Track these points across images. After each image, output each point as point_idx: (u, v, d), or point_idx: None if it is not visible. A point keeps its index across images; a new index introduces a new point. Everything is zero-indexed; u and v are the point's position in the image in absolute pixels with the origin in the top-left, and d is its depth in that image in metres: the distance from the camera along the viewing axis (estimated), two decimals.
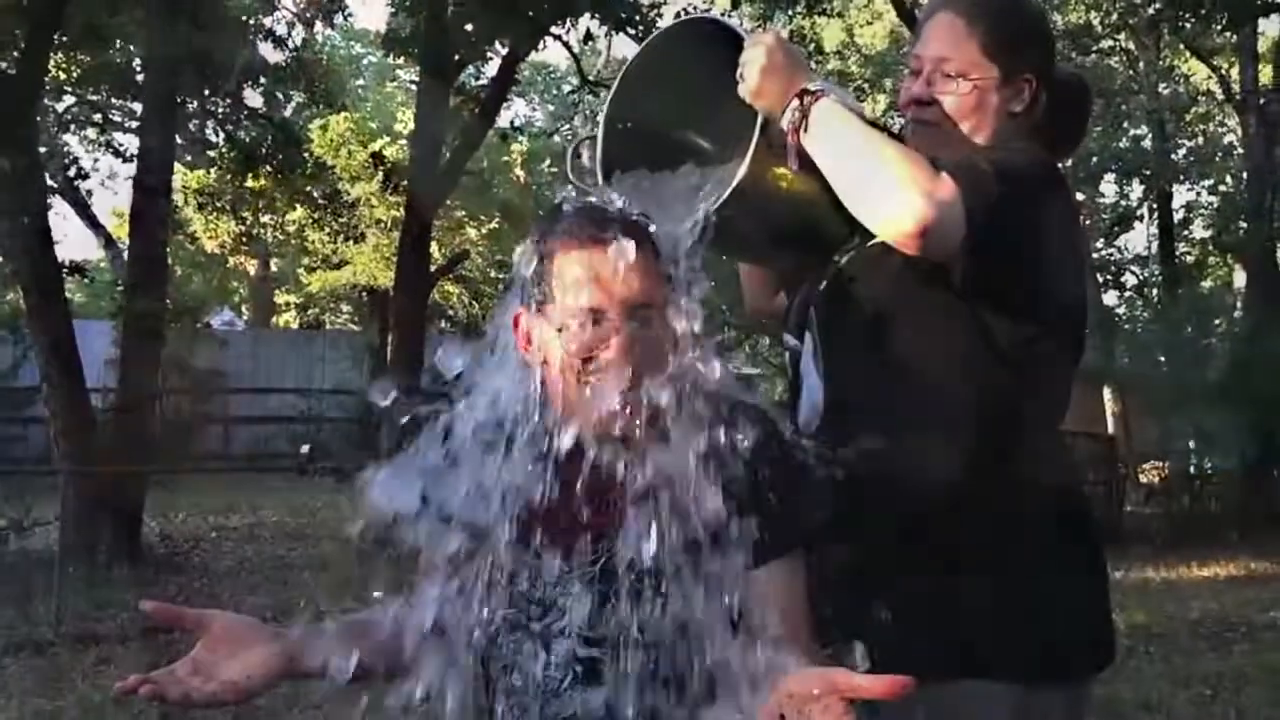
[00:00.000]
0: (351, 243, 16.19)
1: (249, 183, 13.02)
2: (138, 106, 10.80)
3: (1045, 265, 1.34)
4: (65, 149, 12.97)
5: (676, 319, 1.18)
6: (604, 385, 1.14)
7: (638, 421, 1.15)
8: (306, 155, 12.90)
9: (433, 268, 13.16)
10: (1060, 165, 1.54)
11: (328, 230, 15.84)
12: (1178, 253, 16.75)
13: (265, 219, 15.29)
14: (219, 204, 14.78)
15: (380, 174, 15.17)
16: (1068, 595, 1.38)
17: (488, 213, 16.92)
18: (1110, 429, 12.98)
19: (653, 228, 1.21)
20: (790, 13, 10.89)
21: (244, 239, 16.11)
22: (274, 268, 20.69)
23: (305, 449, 13.52)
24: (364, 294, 17.41)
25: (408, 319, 10.12)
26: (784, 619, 1.14)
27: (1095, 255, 16.52)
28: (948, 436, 1.37)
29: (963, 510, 1.35)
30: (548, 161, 17.61)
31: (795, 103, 1.32)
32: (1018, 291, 1.34)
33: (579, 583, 1.19)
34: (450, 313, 18.55)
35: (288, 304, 21.19)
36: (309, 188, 13.41)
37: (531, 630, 1.21)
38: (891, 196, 1.25)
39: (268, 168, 12.15)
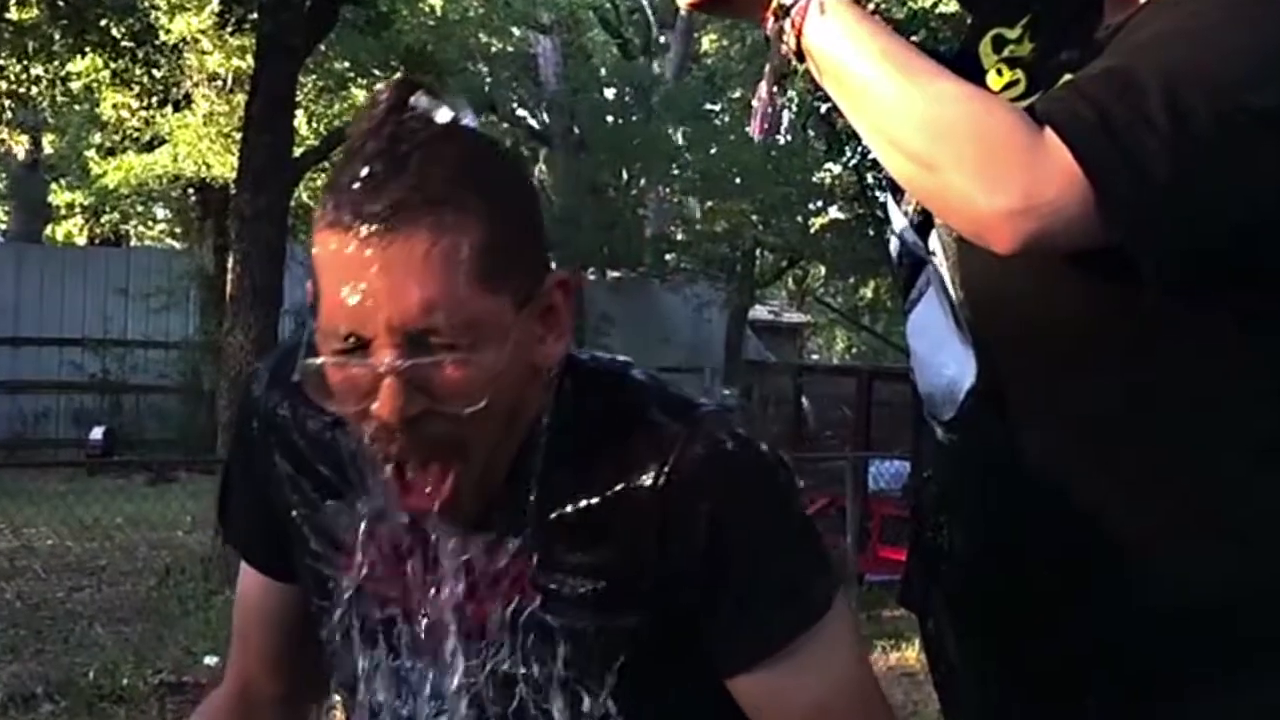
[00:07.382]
0: (172, 110, 16.15)
1: (10, 13, 12.98)
2: None
3: None
4: None
5: (538, 336, 1.20)
6: (384, 460, 1.18)
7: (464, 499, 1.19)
8: None
9: (298, 150, 13.14)
10: None
11: (135, 90, 15.77)
12: None
13: (36, 70, 15.23)
14: None
15: (215, 1, 15.12)
16: None
17: (385, 64, 16.87)
18: None
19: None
20: None
21: (2, 102, 16.06)
22: (49, 148, 20.61)
23: (99, 433, 13.59)
24: (190, 191, 17.41)
25: (259, 230, 10.11)
26: None
27: None
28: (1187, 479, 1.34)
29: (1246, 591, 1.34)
30: None
31: (772, 24, 1.26)
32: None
33: (464, 696, 1.27)
34: None
35: (71, 205, 21.12)
36: (104, 21, 13.34)
37: None
38: (962, 195, 1.19)
39: None
